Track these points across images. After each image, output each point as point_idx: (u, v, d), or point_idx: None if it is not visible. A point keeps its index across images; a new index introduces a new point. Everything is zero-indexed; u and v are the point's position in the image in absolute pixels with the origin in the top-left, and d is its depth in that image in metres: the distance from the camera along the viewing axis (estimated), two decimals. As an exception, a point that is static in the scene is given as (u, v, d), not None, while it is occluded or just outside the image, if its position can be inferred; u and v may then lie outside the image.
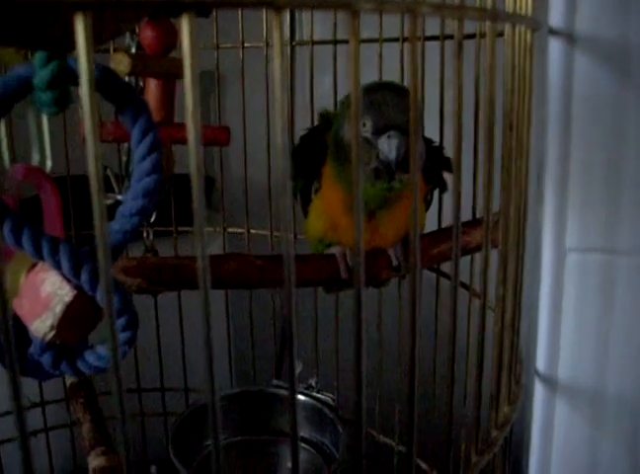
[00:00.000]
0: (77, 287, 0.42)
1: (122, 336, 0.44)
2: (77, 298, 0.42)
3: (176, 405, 0.93)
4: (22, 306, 0.44)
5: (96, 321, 0.44)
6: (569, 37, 0.43)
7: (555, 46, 0.44)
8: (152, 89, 0.59)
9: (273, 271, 0.55)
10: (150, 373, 0.92)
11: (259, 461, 0.85)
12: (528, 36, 0.39)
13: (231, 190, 0.91)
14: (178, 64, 0.58)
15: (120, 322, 0.43)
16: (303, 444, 0.84)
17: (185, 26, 0.21)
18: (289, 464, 0.85)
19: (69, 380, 0.85)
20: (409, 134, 0.46)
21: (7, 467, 0.86)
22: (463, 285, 0.63)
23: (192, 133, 0.23)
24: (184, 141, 0.42)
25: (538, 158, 0.47)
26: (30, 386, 0.85)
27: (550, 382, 0.48)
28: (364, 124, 0.50)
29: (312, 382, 0.86)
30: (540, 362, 0.48)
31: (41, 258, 0.41)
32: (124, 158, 0.74)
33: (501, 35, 0.36)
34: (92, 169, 0.23)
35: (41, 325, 0.43)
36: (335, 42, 0.77)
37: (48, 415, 0.90)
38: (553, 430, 0.50)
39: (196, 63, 0.22)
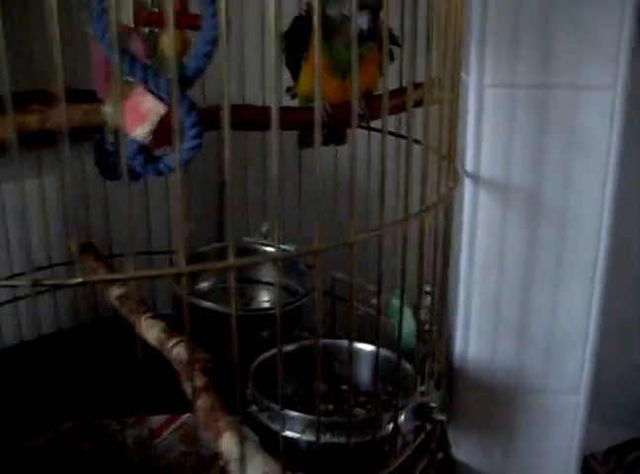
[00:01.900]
0: (167, 106, 0.62)
1: (191, 143, 0.64)
2: (167, 112, 0.62)
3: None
4: (125, 120, 0.63)
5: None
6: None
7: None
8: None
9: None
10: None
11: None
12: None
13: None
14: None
15: (193, 132, 0.63)
16: (271, 288, 1.07)
17: None
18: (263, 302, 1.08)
19: (75, 243, 1.03)
20: (377, 13, 0.69)
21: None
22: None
23: None
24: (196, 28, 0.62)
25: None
26: (34, 252, 1.03)
27: (475, 178, 0.73)
28: (345, 5, 0.72)
29: (263, 229, 1.07)
30: (468, 164, 0.73)
31: (145, 82, 0.61)
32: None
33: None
34: None
35: (142, 131, 0.62)
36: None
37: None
38: (477, 221, 0.75)
39: None
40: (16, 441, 0.84)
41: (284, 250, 1.04)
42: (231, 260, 0.49)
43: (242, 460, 0.61)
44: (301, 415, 0.67)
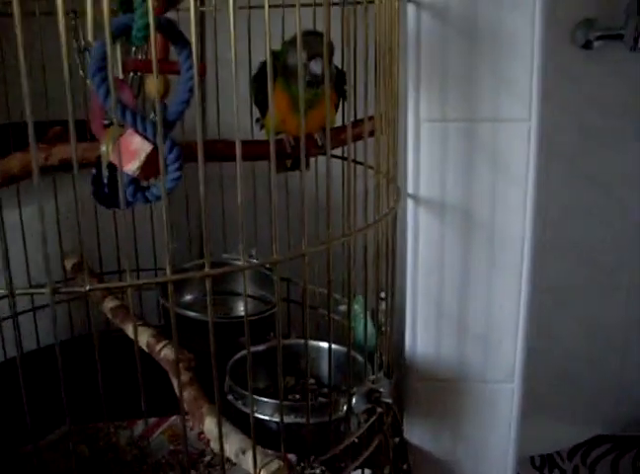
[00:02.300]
0: (153, 145, 0.74)
1: (173, 175, 0.76)
2: (153, 151, 0.74)
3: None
4: (117, 158, 0.75)
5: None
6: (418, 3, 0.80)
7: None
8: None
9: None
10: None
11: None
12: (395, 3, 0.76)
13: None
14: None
15: (174, 166, 0.75)
16: (251, 299, 1.19)
17: None
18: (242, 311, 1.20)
19: (70, 262, 1.15)
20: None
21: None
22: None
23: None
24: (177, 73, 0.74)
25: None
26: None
27: (415, 198, 0.85)
28: (302, 54, 0.85)
29: (252, 252, 1.20)
30: (409, 186, 0.85)
31: (135, 126, 0.73)
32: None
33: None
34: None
35: (132, 166, 0.74)
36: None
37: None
38: (419, 234, 0.87)
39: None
40: (17, 443, 0.91)
41: (267, 268, 1.17)
42: (207, 270, 0.61)
43: (220, 438, 0.73)
44: (270, 400, 0.79)
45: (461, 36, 0.79)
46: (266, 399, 0.79)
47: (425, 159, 0.83)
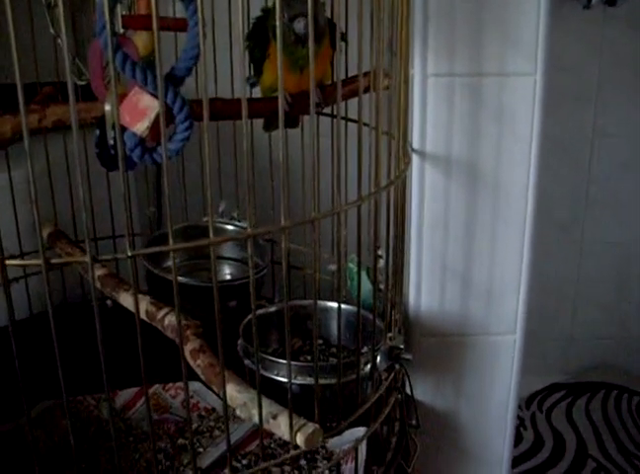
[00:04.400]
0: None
1: (183, 135, 0.73)
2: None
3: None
4: (124, 117, 0.71)
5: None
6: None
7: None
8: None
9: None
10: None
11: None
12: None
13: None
14: None
15: (184, 125, 0.73)
16: (234, 262, 1.17)
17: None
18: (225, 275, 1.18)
19: (47, 231, 1.10)
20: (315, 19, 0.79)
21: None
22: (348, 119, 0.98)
23: None
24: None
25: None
26: (8, 239, 1.08)
27: (421, 154, 0.85)
28: (284, 16, 0.82)
29: (234, 214, 1.17)
30: (415, 142, 0.85)
31: (145, 84, 0.69)
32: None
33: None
34: None
35: (141, 126, 0.71)
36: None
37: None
38: (424, 189, 0.87)
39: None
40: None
41: (242, 227, 1.15)
42: (211, 238, 0.59)
43: (245, 404, 0.71)
44: (297, 363, 0.78)
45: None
46: (296, 362, 0.78)
47: (431, 114, 0.83)
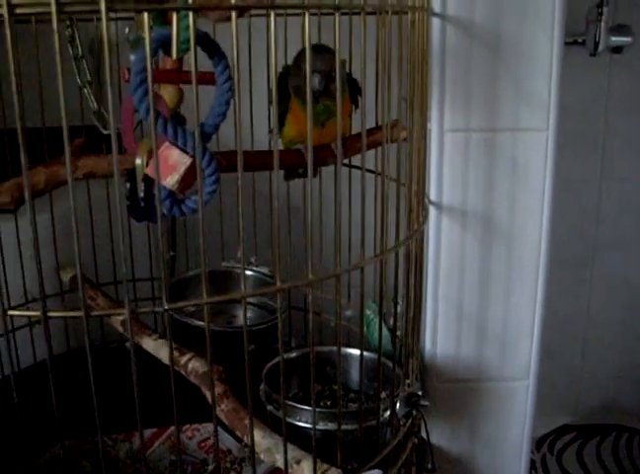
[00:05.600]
0: (192, 158, 0.74)
1: (211, 188, 0.76)
2: (191, 164, 0.74)
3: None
4: (154, 172, 0.75)
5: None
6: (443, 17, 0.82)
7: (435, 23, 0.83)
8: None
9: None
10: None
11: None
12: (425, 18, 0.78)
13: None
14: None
15: (212, 179, 0.76)
16: (252, 307, 1.20)
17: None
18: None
19: (68, 275, 1.13)
20: (329, 75, 0.82)
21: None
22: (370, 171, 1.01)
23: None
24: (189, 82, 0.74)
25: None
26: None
27: (438, 206, 0.88)
28: (303, 73, 0.85)
29: (252, 260, 1.20)
30: (432, 194, 0.88)
31: (175, 139, 0.73)
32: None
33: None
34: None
35: (171, 180, 0.74)
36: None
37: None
38: (441, 240, 0.90)
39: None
40: (18, 461, 0.89)
41: (267, 275, 1.17)
42: (243, 292, 0.61)
43: (269, 449, 0.74)
44: (320, 409, 0.80)
45: (484, 48, 0.82)
46: (321, 409, 0.80)
47: (447, 168, 0.86)
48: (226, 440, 1.00)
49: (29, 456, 0.91)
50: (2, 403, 0.74)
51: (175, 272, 1.33)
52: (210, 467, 0.98)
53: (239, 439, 0.99)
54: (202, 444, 1.04)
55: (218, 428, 0.97)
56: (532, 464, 1.82)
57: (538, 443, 1.90)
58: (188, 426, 1.05)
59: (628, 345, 1.97)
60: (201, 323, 1.06)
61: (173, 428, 1.04)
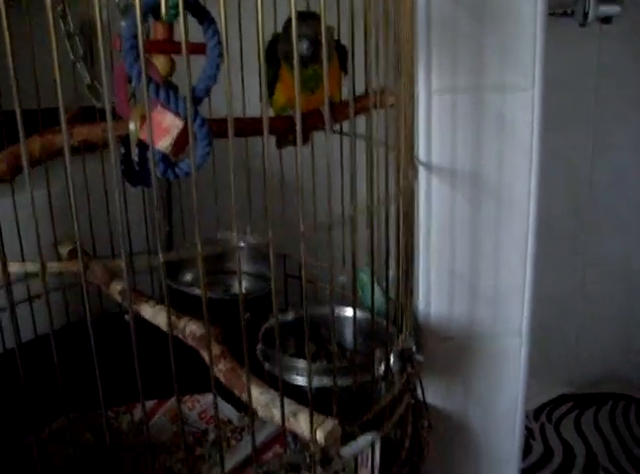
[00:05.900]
0: (184, 121, 0.75)
1: (203, 151, 0.78)
2: (184, 127, 0.75)
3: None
4: (147, 135, 0.76)
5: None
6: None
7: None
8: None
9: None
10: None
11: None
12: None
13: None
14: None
15: (204, 143, 0.77)
16: (248, 276, 1.22)
17: None
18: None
19: (67, 247, 1.14)
20: (317, 40, 0.83)
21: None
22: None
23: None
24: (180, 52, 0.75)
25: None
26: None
27: (427, 166, 0.90)
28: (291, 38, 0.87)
29: (247, 229, 1.21)
30: (421, 155, 0.89)
31: (167, 103, 0.74)
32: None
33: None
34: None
35: (164, 143, 0.75)
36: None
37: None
38: (431, 199, 0.91)
39: None
40: (22, 434, 0.92)
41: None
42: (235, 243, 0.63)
43: (267, 405, 0.75)
44: (316, 364, 0.82)
45: (470, 11, 0.83)
46: (317, 363, 0.82)
47: (436, 128, 0.87)
48: (226, 410, 1.02)
49: (34, 429, 0.93)
50: (4, 376, 0.76)
51: (172, 247, 1.34)
52: (211, 437, 1.00)
53: (239, 409, 1.01)
54: (203, 415, 1.05)
55: (218, 398, 0.99)
56: (531, 433, 1.85)
57: (536, 413, 1.93)
58: (188, 396, 1.07)
59: (623, 315, 1.99)
60: (197, 291, 1.08)
61: (173, 399, 1.06)
